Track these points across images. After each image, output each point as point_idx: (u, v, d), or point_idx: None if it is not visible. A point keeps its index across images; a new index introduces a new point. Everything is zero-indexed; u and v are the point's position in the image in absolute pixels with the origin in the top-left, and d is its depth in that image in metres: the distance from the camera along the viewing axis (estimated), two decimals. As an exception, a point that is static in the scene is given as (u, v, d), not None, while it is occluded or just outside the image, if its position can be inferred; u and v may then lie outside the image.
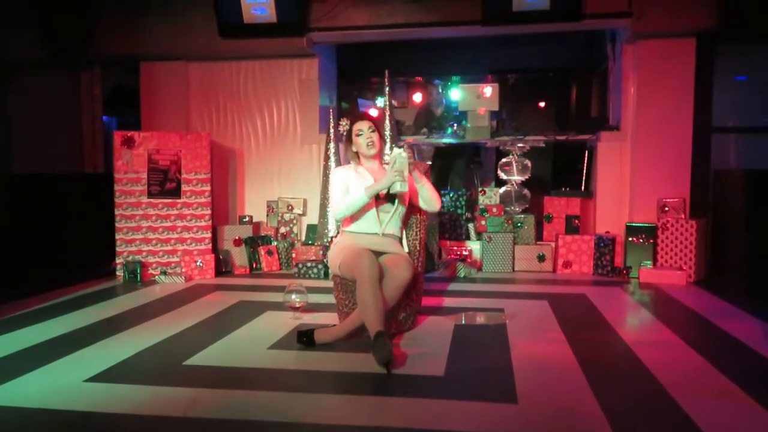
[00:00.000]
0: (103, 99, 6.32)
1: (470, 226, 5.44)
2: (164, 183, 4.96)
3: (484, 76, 7.71)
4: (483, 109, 5.61)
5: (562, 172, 7.18)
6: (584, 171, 5.66)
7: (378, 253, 3.05)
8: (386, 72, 5.17)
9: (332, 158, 5.16)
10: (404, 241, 3.35)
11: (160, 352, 2.97)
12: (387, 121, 5.06)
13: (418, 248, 3.38)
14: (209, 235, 5.06)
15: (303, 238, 5.56)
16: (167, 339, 3.18)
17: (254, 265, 5.28)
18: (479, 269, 5.01)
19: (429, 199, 3.25)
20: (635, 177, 5.14)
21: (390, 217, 3.19)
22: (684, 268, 4.70)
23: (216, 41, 5.40)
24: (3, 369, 2.70)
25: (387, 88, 5.16)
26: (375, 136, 3.19)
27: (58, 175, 5.47)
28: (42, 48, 5.58)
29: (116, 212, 4.87)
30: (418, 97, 7.96)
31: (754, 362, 2.79)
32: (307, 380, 2.59)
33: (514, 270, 5.18)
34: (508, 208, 5.43)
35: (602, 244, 4.99)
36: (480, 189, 5.57)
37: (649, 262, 4.80)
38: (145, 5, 5.58)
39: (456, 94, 6.70)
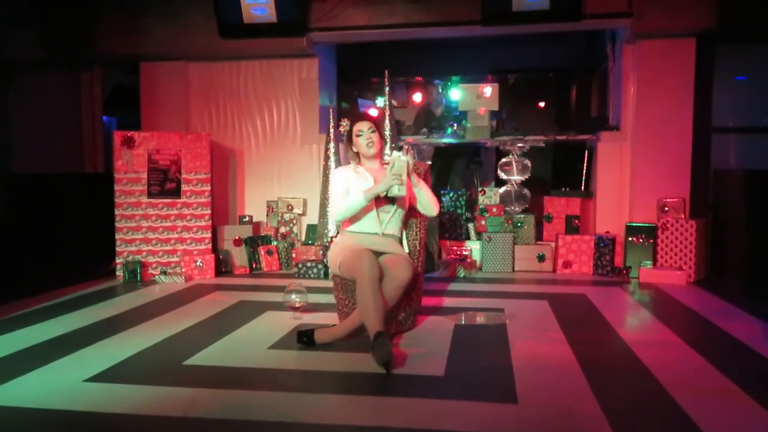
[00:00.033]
0: (103, 99, 6.32)
1: (470, 226, 5.44)
2: (164, 183, 4.96)
3: (484, 76, 7.71)
4: (483, 109, 5.61)
5: (562, 172, 7.18)
6: (584, 171, 5.66)
7: (378, 253, 3.06)
8: (386, 72, 5.17)
9: (332, 158, 5.16)
10: (404, 242, 3.35)
11: (160, 352, 2.98)
12: (387, 121, 5.06)
13: (418, 248, 3.38)
14: (209, 235, 5.06)
15: (303, 238, 5.56)
16: (167, 339, 3.18)
17: (254, 265, 5.28)
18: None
19: (427, 204, 3.25)
20: (635, 177, 5.14)
21: (390, 217, 3.19)
22: (684, 268, 4.70)
23: (216, 41, 5.40)
24: (3, 369, 2.70)
25: (387, 88, 5.16)
26: (375, 137, 3.19)
27: (58, 175, 5.47)
28: (42, 48, 5.58)
29: (116, 212, 4.87)
30: (418, 97, 7.95)
31: (754, 362, 2.79)
32: (307, 380, 2.59)
33: (514, 270, 5.18)
34: (508, 208, 5.43)
35: (602, 244, 4.99)
36: (480, 189, 5.57)
37: (649, 262, 4.80)
38: (145, 5, 5.58)
39: (456, 94, 6.70)
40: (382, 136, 3.29)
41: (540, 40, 7.02)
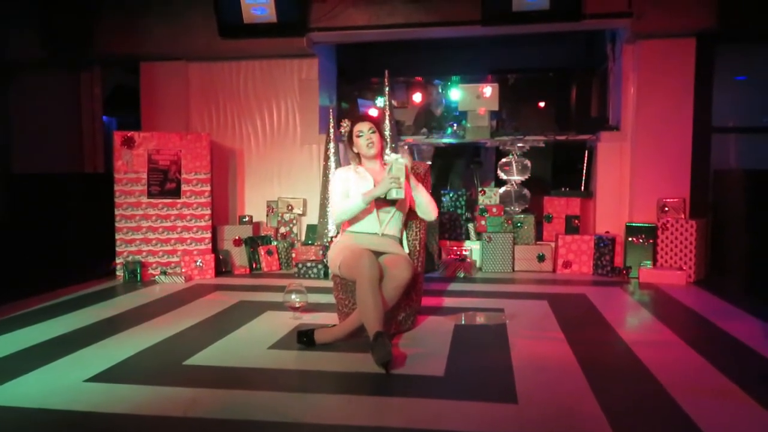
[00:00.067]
0: (103, 99, 6.32)
1: (470, 226, 5.44)
2: (164, 183, 4.96)
3: (484, 76, 7.71)
4: (483, 109, 5.61)
5: (562, 172, 7.17)
6: (584, 171, 5.66)
7: (378, 253, 3.06)
8: (386, 72, 5.17)
9: (332, 158, 5.16)
10: (404, 242, 3.35)
11: (160, 352, 2.98)
12: (387, 121, 5.06)
13: (418, 248, 3.38)
14: (209, 235, 5.06)
15: (303, 238, 5.56)
16: (167, 339, 3.18)
17: (254, 265, 5.28)
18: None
19: (425, 208, 3.25)
20: (635, 177, 5.14)
21: (390, 218, 3.19)
22: (684, 268, 4.70)
23: (216, 41, 5.40)
24: (3, 369, 2.70)
25: (387, 88, 5.16)
26: (375, 137, 3.19)
27: (58, 175, 5.47)
28: (42, 48, 5.58)
29: (116, 212, 4.87)
30: (418, 97, 7.95)
31: (754, 362, 2.79)
32: (307, 380, 2.59)
33: (514, 270, 5.18)
34: (507, 208, 5.43)
35: (602, 244, 4.99)
36: (480, 189, 5.57)
37: (648, 262, 4.80)
38: (145, 5, 5.58)
39: (456, 94, 6.69)
40: (382, 137, 3.29)
41: (540, 40, 7.02)
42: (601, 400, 2.28)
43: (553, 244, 5.24)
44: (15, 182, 5.16)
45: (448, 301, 4.03)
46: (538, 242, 5.30)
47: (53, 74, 5.99)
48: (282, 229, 5.60)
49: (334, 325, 3.09)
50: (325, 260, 4.90)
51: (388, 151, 4.77)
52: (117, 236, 4.87)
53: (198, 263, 4.91)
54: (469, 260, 5.12)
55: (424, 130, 6.11)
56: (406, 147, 4.69)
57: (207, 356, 2.89)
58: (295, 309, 3.58)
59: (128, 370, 2.69)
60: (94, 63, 6.06)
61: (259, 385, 2.51)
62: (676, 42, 4.95)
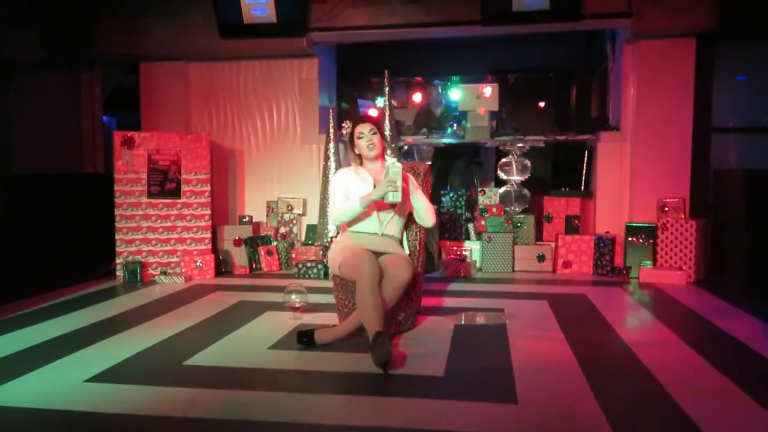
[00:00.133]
0: (103, 99, 6.32)
1: (470, 226, 5.44)
2: (164, 183, 4.96)
3: (484, 76, 7.70)
4: (483, 109, 5.61)
5: (562, 172, 7.17)
6: (584, 171, 5.66)
7: (378, 254, 3.06)
8: (386, 72, 5.18)
9: (332, 158, 5.16)
10: (405, 243, 3.35)
11: (160, 352, 2.98)
12: (387, 122, 5.06)
13: (418, 249, 3.38)
14: (209, 235, 5.06)
15: (303, 239, 5.56)
16: (167, 339, 3.18)
17: (254, 265, 5.28)
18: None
19: (423, 213, 3.26)
20: (635, 177, 5.14)
21: (390, 218, 3.19)
22: (684, 268, 4.70)
23: (216, 41, 5.40)
24: (3, 369, 2.70)
25: (387, 88, 5.17)
26: (376, 138, 3.20)
27: (58, 175, 5.47)
28: (42, 48, 5.58)
29: (116, 212, 4.87)
30: (417, 97, 7.95)
31: (754, 362, 2.79)
32: (307, 380, 2.59)
33: (514, 270, 5.18)
34: (507, 208, 5.42)
35: (602, 244, 4.99)
36: (480, 189, 5.57)
37: (648, 262, 4.80)
38: (145, 5, 5.58)
39: (456, 94, 6.69)
40: (383, 138, 3.30)
41: (540, 40, 7.02)
42: (601, 400, 2.28)
43: (553, 244, 5.24)
44: (15, 182, 5.16)
45: (448, 301, 4.03)
46: (538, 242, 5.30)
47: (53, 74, 5.99)
48: (282, 229, 5.60)
49: (334, 326, 3.09)
50: (325, 260, 4.90)
51: (389, 152, 4.77)
52: (117, 236, 4.87)
53: (198, 263, 4.91)
54: (468, 261, 5.12)
55: (424, 130, 6.11)
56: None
57: (207, 356, 2.89)
58: (295, 309, 3.58)
59: (128, 370, 2.69)
60: (94, 63, 6.06)
61: (259, 385, 2.51)
62: (676, 42, 4.95)
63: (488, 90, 5.58)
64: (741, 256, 4.53)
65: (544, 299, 4.05)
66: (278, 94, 5.71)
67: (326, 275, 4.84)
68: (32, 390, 2.46)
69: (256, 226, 5.62)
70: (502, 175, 5.53)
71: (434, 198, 4.49)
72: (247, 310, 3.82)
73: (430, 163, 6.33)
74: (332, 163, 5.15)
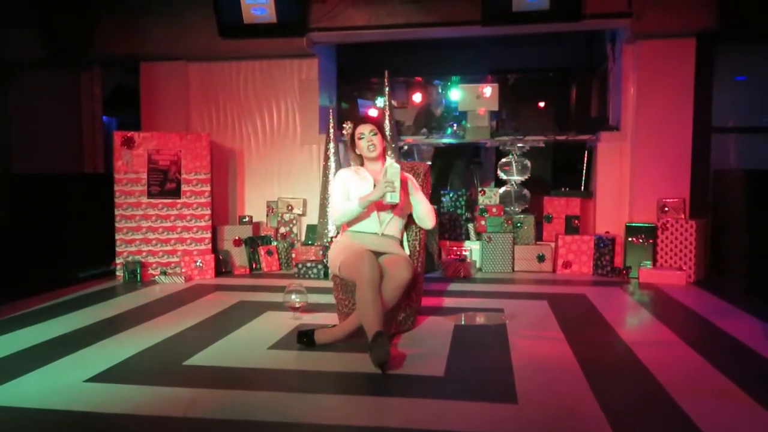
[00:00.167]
0: (103, 99, 6.32)
1: (470, 226, 5.44)
2: (164, 183, 4.96)
3: (484, 76, 7.70)
4: (483, 109, 5.61)
5: (562, 172, 7.17)
6: (584, 171, 5.66)
7: (378, 254, 3.06)
8: (386, 72, 5.18)
9: (332, 158, 5.16)
10: (405, 243, 3.35)
11: (160, 352, 2.98)
12: (387, 122, 5.06)
13: (418, 249, 3.38)
14: (209, 235, 5.06)
15: (303, 239, 5.56)
16: (167, 339, 3.18)
17: (254, 266, 5.28)
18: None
19: (423, 215, 3.26)
20: (635, 177, 5.14)
21: (390, 218, 3.19)
22: (684, 268, 4.70)
23: (216, 41, 5.40)
24: (3, 369, 2.70)
25: (387, 88, 5.17)
26: (376, 139, 3.20)
27: (58, 175, 5.46)
28: (42, 48, 5.57)
29: (116, 212, 4.87)
30: (417, 97, 7.95)
31: (754, 362, 2.79)
32: (307, 380, 2.59)
33: (513, 270, 5.18)
34: (507, 208, 5.42)
35: (602, 245, 4.99)
36: (480, 189, 5.57)
37: (648, 263, 4.80)
38: (145, 5, 5.58)
39: (456, 94, 6.69)
40: (384, 138, 3.30)
41: (540, 40, 7.02)
42: (601, 400, 2.28)
43: (553, 245, 5.24)
44: (15, 182, 5.15)
45: (448, 302, 4.03)
46: (538, 242, 5.30)
47: (53, 74, 5.99)
48: (282, 230, 5.60)
49: (334, 326, 3.09)
50: (325, 260, 4.90)
51: (390, 153, 4.77)
52: (117, 236, 4.87)
53: (198, 263, 4.91)
54: (468, 261, 5.12)
55: (424, 130, 6.11)
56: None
57: (207, 356, 2.89)
58: (295, 309, 3.58)
59: (128, 370, 2.69)
60: (94, 63, 6.06)
61: (259, 386, 2.51)
62: (676, 42, 4.95)
63: (488, 90, 5.58)
64: (741, 256, 4.53)
65: (544, 299, 4.05)
66: (278, 94, 5.71)
67: (326, 275, 4.84)
68: (32, 390, 2.46)
69: (256, 226, 5.62)
70: (502, 175, 5.53)
71: (434, 198, 4.48)
72: (247, 310, 3.82)
73: (430, 163, 6.33)
74: (332, 163, 5.15)
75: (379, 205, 3.14)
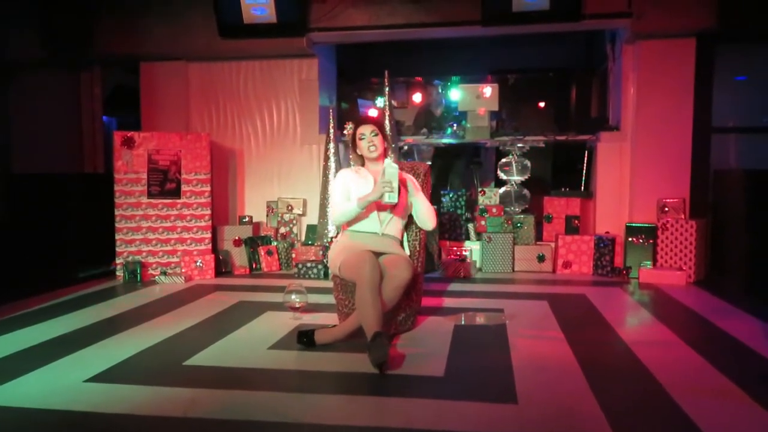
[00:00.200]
0: (103, 99, 6.32)
1: (470, 226, 5.44)
2: (164, 183, 4.96)
3: (483, 76, 7.71)
4: (483, 110, 5.61)
5: (562, 172, 7.17)
6: (584, 171, 5.66)
7: (378, 254, 3.06)
8: (386, 72, 5.18)
9: (332, 158, 5.16)
10: (405, 244, 3.35)
11: (160, 352, 2.98)
12: (387, 122, 5.06)
13: (418, 249, 3.38)
14: (209, 235, 5.06)
15: (303, 239, 5.56)
16: (167, 339, 3.18)
17: (254, 266, 5.28)
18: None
19: (423, 217, 3.27)
20: (635, 177, 5.14)
21: (390, 218, 3.20)
22: (684, 268, 4.70)
23: (216, 41, 5.40)
24: (3, 369, 2.70)
25: (387, 89, 5.17)
26: (377, 140, 3.21)
27: (58, 175, 5.46)
28: (42, 48, 5.57)
29: (116, 212, 4.87)
30: (417, 98, 7.95)
31: (754, 362, 2.79)
32: (307, 380, 2.59)
33: (513, 270, 5.18)
34: (507, 209, 5.42)
35: (602, 245, 4.99)
36: (480, 189, 5.57)
37: (648, 263, 4.80)
38: (145, 5, 5.58)
39: (456, 94, 6.69)
40: (385, 139, 3.30)
41: (540, 40, 7.02)
42: (601, 400, 2.28)
43: (553, 245, 5.23)
44: (15, 182, 5.15)
45: (448, 302, 4.03)
46: (538, 242, 5.30)
47: (53, 74, 5.99)
48: (282, 230, 5.60)
49: (334, 326, 3.09)
50: (325, 260, 4.90)
51: (390, 153, 4.77)
52: (117, 236, 4.87)
53: (198, 263, 4.91)
54: (468, 261, 5.12)
55: (424, 130, 6.11)
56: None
57: (207, 356, 2.89)
58: (295, 309, 3.58)
59: (128, 370, 2.69)
60: (94, 63, 6.06)
61: (259, 386, 2.51)
62: (675, 42, 4.95)
63: (488, 90, 5.58)
64: (741, 256, 4.53)
65: (544, 299, 4.05)
66: (278, 94, 5.71)
67: (326, 275, 4.84)
68: (32, 390, 2.46)
69: (256, 226, 5.62)
70: (502, 175, 5.53)
71: (434, 198, 4.48)
72: (247, 310, 3.82)
73: (430, 163, 6.33)
74: (332, 163, 5.15)
75: (379, 206, 3.14)
